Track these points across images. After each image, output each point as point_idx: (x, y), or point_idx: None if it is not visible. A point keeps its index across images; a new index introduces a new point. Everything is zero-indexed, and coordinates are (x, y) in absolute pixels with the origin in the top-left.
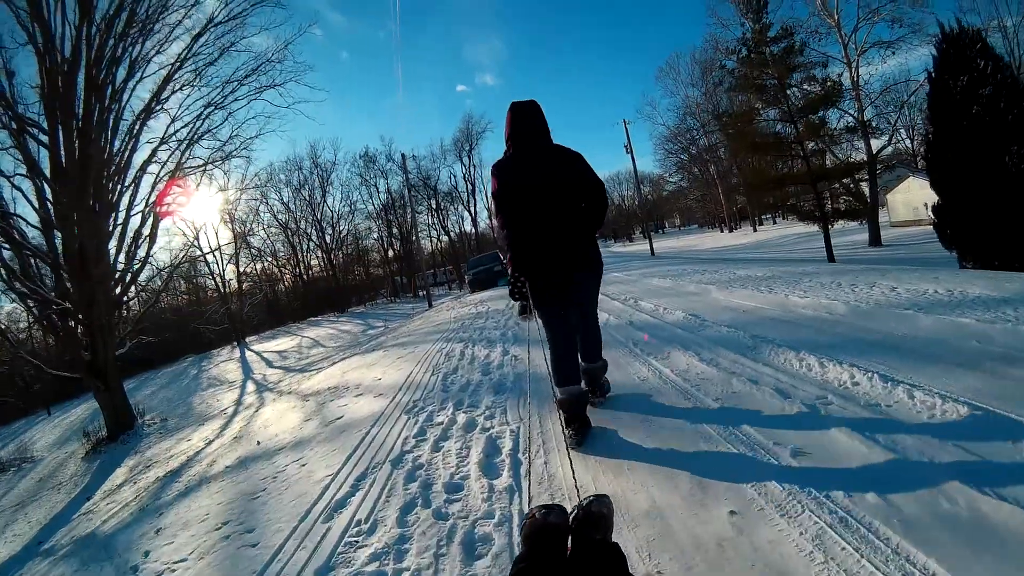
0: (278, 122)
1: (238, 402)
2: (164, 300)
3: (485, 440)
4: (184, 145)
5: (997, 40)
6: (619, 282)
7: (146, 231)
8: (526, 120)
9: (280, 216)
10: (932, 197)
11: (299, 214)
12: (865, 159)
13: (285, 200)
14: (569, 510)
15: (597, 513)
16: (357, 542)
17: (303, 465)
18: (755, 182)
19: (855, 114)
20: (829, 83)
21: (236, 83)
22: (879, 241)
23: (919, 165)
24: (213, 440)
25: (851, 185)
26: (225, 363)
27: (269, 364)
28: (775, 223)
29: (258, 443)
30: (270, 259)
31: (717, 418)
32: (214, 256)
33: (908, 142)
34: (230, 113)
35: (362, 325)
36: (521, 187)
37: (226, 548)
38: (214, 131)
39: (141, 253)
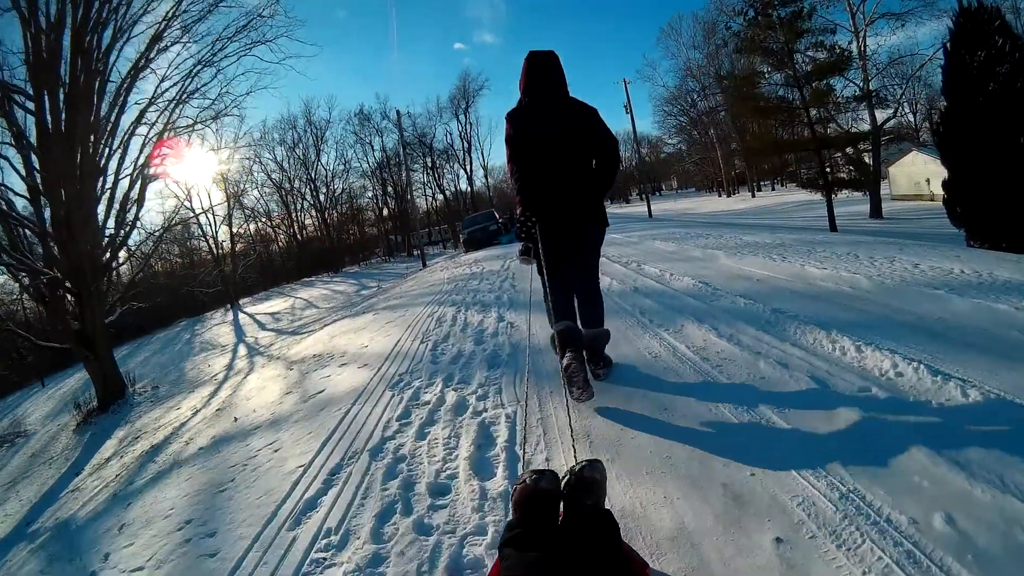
0: (270, 78)
1: (229, 367)
2: (157, 264)
3: (477, 427)
4: (173, 105)
5: (1010, 21)
6: (619, 244)
7: (134, 194)
8: (543, 70)
9: (274, 175)
10: (935, 172)
11: (293, 173)
12: (869, 129)
13: (279, 159)
14: (561, 476)
15: (589, 479)
16: (325, 560)
17: (276, 451)
18: (756, 147)
19: (860, 84)
20: (838, 51)
21: (226, 40)
22: (880, 213)
23: (920, 140)
24: (200, 410)
25: (854, 155)
26: (218, 326)
27: (262, 327)
28: (774, 189)
29: (235, 419)
30: (264, 219)
31: (746, 409)
32: (207, 217)
33: (911, 116)
34: (219, 71)
35: (356, 285)
36: (535, 137)
37: (184, 556)
38: (203, 89)
39: (129, 217)
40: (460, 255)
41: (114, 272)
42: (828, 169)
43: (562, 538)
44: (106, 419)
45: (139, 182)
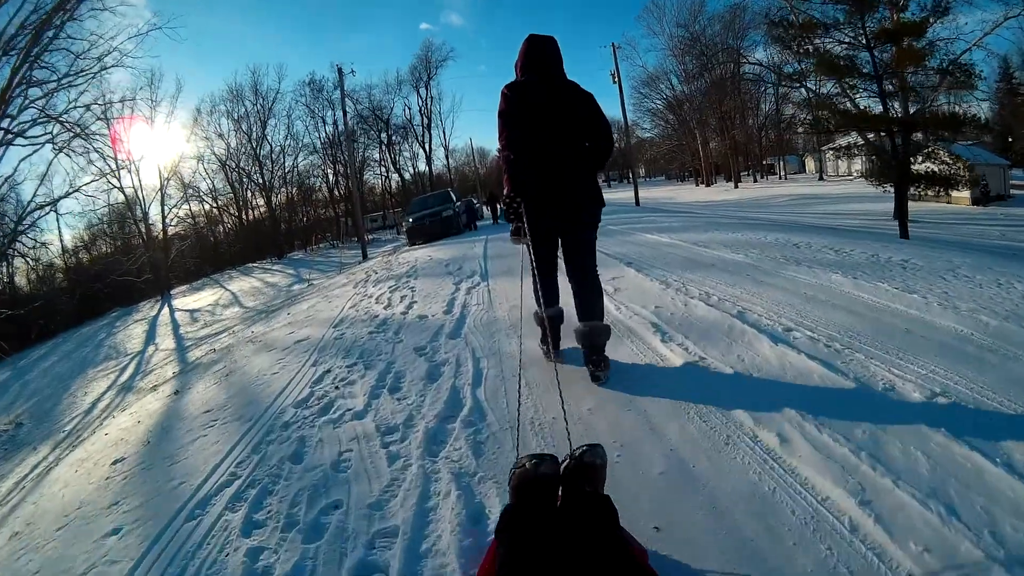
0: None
1: (94, 404)
2: (97, 248)
3: None
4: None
5: None
6: (711, 267)
7: None
8: (542, 52)
9: (218, 152)
10: None
11: (240, 150)
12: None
13: (224, 133)
14: (560, 459)
15: (590, 464)
16: None
17: None
18: (827, 118)
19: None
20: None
21: None
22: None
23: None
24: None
25: (939, 144)
26: (136, 325)
27: (175, 329)
28: (755, 181)
29: None
30: (209, 201)
31: None
32: (138, 197)
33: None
34: None
35: (292, 276)
36: (533, 104)
37: None
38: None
39: None
40: (404, 250)
41: None
42: (919, 158)
43: (560, 524)
44: None
45: None
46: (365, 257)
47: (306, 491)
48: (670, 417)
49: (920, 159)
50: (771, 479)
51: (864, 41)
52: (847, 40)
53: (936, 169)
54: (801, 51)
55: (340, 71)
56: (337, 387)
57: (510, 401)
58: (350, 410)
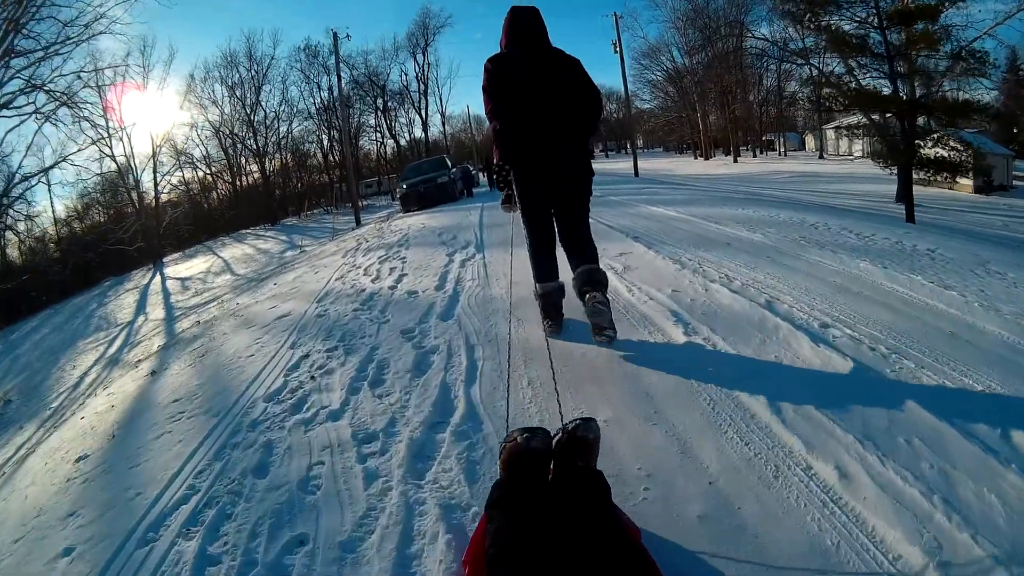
0: None
1: (80, 379)
2: (90, 217)
3: None
4: None
5: None
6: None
7: None
8: (525, 23)
9: (212, 118)
10: None
11: (234, 116)
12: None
13: (218, 100)
14: (553, 433)
15: (583, 438)
16: None
17: None
18: (837, 96)
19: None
20: None
21: None
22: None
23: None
24: None
25: (948, 133)
26: (127, 294)
27: (166, 298)
28: (755, 156)
29: None
30: (203, 167)
31: None
32: (130, 165)
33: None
34: None
35: (285, 242)
36: (517, 79)
37: None
38: None
39: None
40: (398, 216)
41: None
42: (926, 143)
43: (551, 499)
44: None
45: None
46: (358, 224)
47: (268, 518)
48: (704, 435)
49: (929, 143)
50: (833, 530)
51: (876, 21)
52: (859, 19)
53: (945, 154)
54: (811, 27)
55: (335, 36)
56: (313, 377)
57: (510, 404)
58: (325, 408)
